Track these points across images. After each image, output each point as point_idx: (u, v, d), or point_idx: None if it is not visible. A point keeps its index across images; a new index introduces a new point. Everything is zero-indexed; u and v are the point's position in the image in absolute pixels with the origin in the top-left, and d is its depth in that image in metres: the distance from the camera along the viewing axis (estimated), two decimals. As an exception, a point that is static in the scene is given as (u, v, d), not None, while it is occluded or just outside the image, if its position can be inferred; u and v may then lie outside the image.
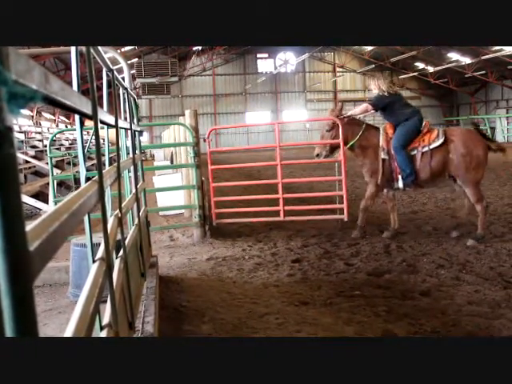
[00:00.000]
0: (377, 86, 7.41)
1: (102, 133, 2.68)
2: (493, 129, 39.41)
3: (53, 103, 1.02)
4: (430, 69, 39.13)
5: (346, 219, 7.70)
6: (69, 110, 1.32)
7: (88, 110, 1.62)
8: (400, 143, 7.12)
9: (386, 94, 7.33)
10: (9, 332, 0.66)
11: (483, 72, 36.38)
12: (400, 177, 7.16)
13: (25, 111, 25.45)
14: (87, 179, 1.88)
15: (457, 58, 35.82)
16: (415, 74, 40.71)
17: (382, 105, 7.40)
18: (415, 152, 7.10)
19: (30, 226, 0.81)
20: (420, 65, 40.86)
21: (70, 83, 1.61)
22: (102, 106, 2.29)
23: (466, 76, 37.96)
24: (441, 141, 6.96)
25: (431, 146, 7.01)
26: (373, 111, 7.62)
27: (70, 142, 23.31)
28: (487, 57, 30.58)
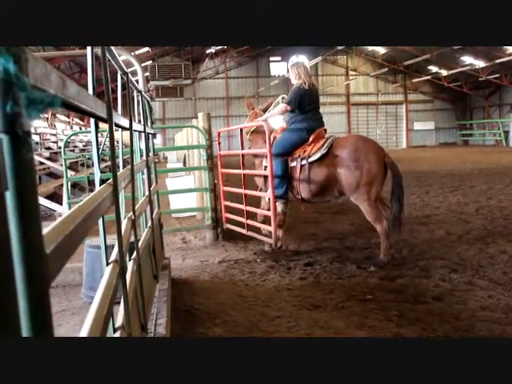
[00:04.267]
0: (297, 76, 6.47)
1: (117, 135, 2.70)
2: (506, 132, 39.16)
3: (69, 107, 1.04)
4: (444, 72, 38.98)
5: (273, 244, 6.45)
6: (84, 114, 1.33)
7: (103, 113, 1.63)
8: (277, 151, 6.33)
9: (306, 86, 6.38)
10: (25, 333, 0.67)
11: (497, 75, 36.18)
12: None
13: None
14: (101, 181, 1.90)
15: (470, 61, 35.64)
16: (428, 77, 40.57)
17: (299, 100, 6.37)
18: (295, 163, 6.30)
19: (46, 229, 0.82)
20: (433, 68, 40.71)
21: (84, 86, 1.62)
22: (116, 109, 2.31)
23: (480, 79, 37.73)
24: (322, 153, 6.06)
25: (310, 160, 6.12)
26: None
27: (83, 143, 23.46)
28: (501, 60, 30.43)
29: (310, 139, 6.34)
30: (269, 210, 6.58)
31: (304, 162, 6.20)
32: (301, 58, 6.86)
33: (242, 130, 7.38)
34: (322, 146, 6.13)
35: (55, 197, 10.94)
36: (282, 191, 6.45)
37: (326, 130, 6.63)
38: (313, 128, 6.43)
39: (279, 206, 6.74)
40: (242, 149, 7.28)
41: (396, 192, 6.05)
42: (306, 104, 6.41)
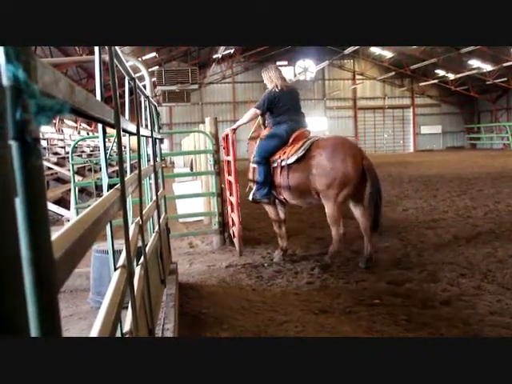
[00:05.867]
0: (269, 80, 6.61)
1: (124, 140, 2.71)
2: (515, 136, 38.97)
3: (78, 113, 1.04)
4: (451, 76, 38.84)
5: (238, 254, 6.94)
6: (93, 120, 1.34)
7: (111, 119, 1.64)
8: (259, 155, 6.50)
9: (276, 89, 6.49)
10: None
11: (504, 79, 36.02)
12: (254, 188, 6.67)
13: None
14: (109, 186, 1.90)
15: (478, 65, 35.51)
16: (435, 81, 40.44)
17: (269, 105, 6.50)
18: (275, 165, 6.37)
19: (55, 235, 0.82)
20: (440, 72, 40.57)
21: (91, 91, 1.63)
22: (123, 114, 2.32)
23: (487, 83, 37.59)
24: (298, 155, 6.09)
25: (288, 162, 6.17)
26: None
27: (91, 148, 23.53)
28: (509, 64, 30.31)
29: (290, 140, 6.38)
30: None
31: (284, 163, 6.25)
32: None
33: (227, 135, 7.45)
34: (300, 147, 6.17)
35: (63, 202, 10.98)
36: (265, 192, 6.51)
37: (309, 131, 6.67)
38: (292, 129, 6.46)
39: (271, 209, 6.84)
40: (228, 155, 7.45)
41: (373, 195, 5.99)
42: (278, 106, 6.47)
